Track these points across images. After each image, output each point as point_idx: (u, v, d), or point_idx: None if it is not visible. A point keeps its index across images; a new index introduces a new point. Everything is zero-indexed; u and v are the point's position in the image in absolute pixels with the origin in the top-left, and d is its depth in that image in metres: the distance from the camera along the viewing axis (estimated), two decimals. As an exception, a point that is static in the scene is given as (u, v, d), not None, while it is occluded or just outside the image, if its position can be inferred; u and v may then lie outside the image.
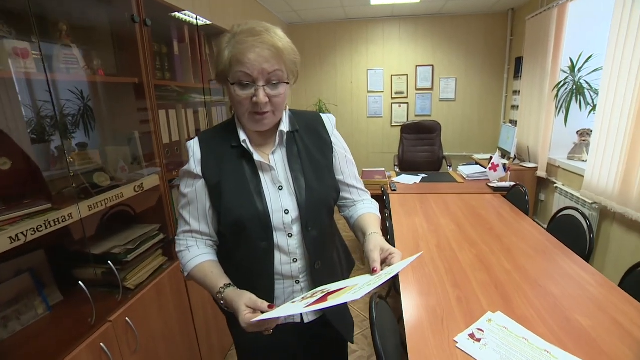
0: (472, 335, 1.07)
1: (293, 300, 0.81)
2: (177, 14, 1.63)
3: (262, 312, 0.72)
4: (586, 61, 2.81)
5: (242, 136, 0.84)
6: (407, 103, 4.63)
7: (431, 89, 4.54)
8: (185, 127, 1.66)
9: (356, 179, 1.00)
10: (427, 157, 4.11)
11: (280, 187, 0.86)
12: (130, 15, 1.20)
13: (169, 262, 1.45)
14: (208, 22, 1.88)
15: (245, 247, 0.85)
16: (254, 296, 0.75)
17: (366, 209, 0.97)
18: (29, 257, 1.15)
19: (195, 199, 0.86)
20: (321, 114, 0.95)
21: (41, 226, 0.91)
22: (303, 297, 0.80)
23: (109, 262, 1.14)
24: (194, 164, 0.84)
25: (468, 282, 1.41)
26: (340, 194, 0.98)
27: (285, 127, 0.87)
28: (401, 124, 4.35)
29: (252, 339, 0.82)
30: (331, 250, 0.97)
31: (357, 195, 1.01)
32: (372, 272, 0.76)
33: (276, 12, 4.00)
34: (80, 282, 1.02)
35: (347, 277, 1.07)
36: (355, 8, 3.99)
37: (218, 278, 0.82)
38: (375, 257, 0.77)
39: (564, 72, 2.95)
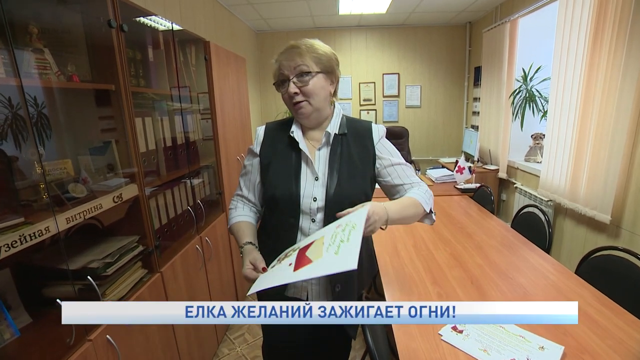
0: (454, 328, 1.13)
1: (272, 265, 0.89)
2: (152, 20, 1.59)
3: (258, 271, 0.89)
4: (536, 72, 3.08)
5: (293, 128, 1.02)
6: (375, 110, 4.79)
7: (397, 96, 4.73)
8: (161, 135, 1.61)
9: (404, 176, 1.05)
10: (397, 162, 4.25)
11: (317, 178, 1.00)
12: (106, 20, 1.17)
13: (149, 275, 1.39)
14: (179, 28, 1.85)
15: (276, 220, 1.03)
16: (258, 256, 0.92)
17: (410, 194, 1.02)
18: (-6, 277, 1.06)
19: (251, 171, 1.07)
20: (372, 125, 1.07)
21: (16, 242, 0.85)
22: (278, 259, 0.88)
23: (88, 277, 1.08)
24: (256, 144, 1.06)
25: (446, 278, 1.49)
26: (393, 195, 1.08)
27: (331, 129, 1.02)
28: (371, 130, 4.48)
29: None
30: None
31: (405, 192, 1.05)
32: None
33: (245, 20, 3.99)
34: (58, 300, 0.96)
35: (367, 283, 1.21)
36: (324, 17, 4.08)
37: (245, 236, 1.00)
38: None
39: (518, 81, 3.21)
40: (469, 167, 2.91)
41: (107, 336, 1.12)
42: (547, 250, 1.77)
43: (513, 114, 3.24)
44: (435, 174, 3.33)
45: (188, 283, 1.69)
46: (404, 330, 1.13)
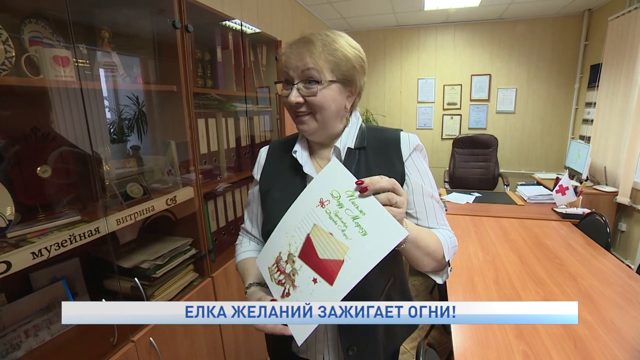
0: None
1: (277, 292, 0.69)
2: (222, 21, 1.59)
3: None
4: (686, 70, 2.37)
5: (297, 147, 0.82)
6: (460, 115, 4.32)
7: (487, 100, 4.19)
8: (225, 136, 1.60)
9: (433, 216, 0.80)
10: (481, 174, 3.77)
11: None
12: (171, 21, 1.16)
13: (200, 279, 1.38)
14: (256, 30, 1.83)
15: None
16: (263, 295, 0.74)
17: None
18: (65, 264, 1.14)
19: (252, 201, 0.91)
20: (401, 133, 0.81)
21: (65, 241, 0.86)
22: (275, 281, 0.70)
23: (135, 278, 1.09)
24: (257, 169, 0.89)
25: (537, 333, 1.17)
26: None
27: (341, 143, 0.79)
28: (453, 137, 4.06)
29: None
30: (374, 292, 0.81)
31: None
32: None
33: (324, 19, 3.94)
34: (103, 300, 0.97)
35: (402, 338, 0.93)
36: (407, 14, 3.81)
37: (249, 276, 0.83)
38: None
39: (656, 82, 2.52)
40: (575, 187, 2.38)
41: (151, 339, 1.11)
42: (695, 314, 1.29)
43: (645, 124, 2.56)
44: (527, 191, 2.82)
45: (240, 288, 1.66)
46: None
